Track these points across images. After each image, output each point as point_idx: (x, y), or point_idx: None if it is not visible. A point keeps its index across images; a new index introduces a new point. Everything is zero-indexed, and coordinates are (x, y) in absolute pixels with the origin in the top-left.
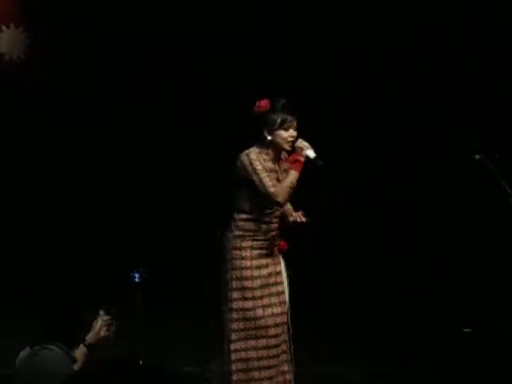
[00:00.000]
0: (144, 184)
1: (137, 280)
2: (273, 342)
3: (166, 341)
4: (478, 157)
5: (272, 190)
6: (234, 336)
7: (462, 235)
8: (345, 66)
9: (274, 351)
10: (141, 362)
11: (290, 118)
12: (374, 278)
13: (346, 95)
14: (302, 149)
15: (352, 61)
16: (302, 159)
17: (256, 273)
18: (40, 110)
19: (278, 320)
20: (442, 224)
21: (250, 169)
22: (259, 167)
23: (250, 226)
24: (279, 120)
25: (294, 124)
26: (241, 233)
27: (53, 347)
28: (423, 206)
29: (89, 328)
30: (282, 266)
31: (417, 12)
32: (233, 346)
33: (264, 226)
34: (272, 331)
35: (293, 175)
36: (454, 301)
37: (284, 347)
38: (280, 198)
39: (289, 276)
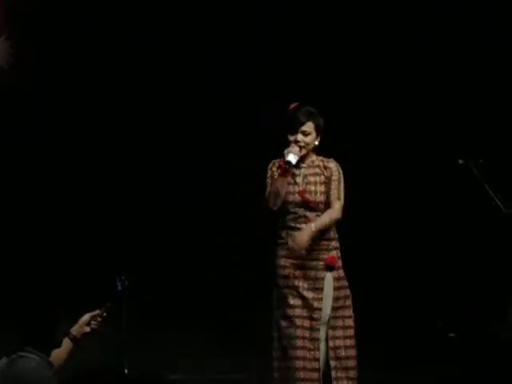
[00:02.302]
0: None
1: (119, 288)
2: (300, 353)
3: (151, 349)
4: (461, 161)
5: (266, 195)
6: (274, 344)
7: (445, 239)
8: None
9: (301, 363)
10: (126, 372)
11: (296, 122)
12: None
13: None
14: (284, 155)
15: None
16: (282, 164)
17: (283, 282)
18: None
19: (307, 334)
20: (426, 228)
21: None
22: (268, 175)
23: (284, 233)
24: (287, 123)
25: (302, 129)
26: (279, 241)
27: (30, 355)
28: (406, 210)
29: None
30: (327, 283)
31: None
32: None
33: (295, 233)
34: (299, 343)
35: (277, 180)
36: (439, 304)
37: (315, 364)
38: (269, 204)
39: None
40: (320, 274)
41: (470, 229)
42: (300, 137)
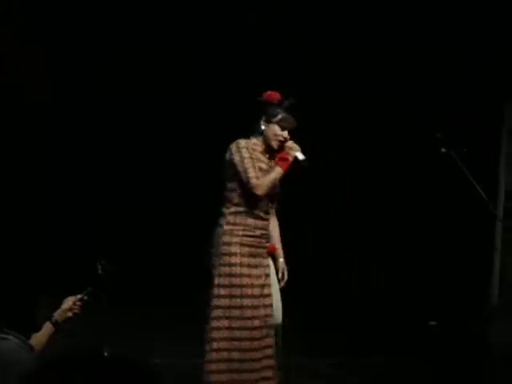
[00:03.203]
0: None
1: (100, 271)
2: (256, 344)
3: (132, 334)
4: (444, 150)
5: (253, 181)
6: (216, 334)
7: (428, 229)
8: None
9: (257, 354)
10: (106, 354)
11: (291, 119)
12: (345, 272)
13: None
14: (291, 149)
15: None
16: (290, 159)
17: (245, 271)
18: None
19: (263, 323)
20: (409, 217)
21: (238, 156)
22: (246, 155)
23: (238, 219)
24: (280, 116)
25: (291, 127)
26: (230, 227)
27: (10, 337)
28: (389, 201)
29: (45, 317)
30: (272, 269)
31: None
32: (215, 345)
33: (252, 220)
34: (257, 333)
35: (277, 172)
36: (421, 294)
37: (268, 352)
38: (259, 191)
39: None
40: (267, 261)
41: (453, 218)
42: (286, 134)
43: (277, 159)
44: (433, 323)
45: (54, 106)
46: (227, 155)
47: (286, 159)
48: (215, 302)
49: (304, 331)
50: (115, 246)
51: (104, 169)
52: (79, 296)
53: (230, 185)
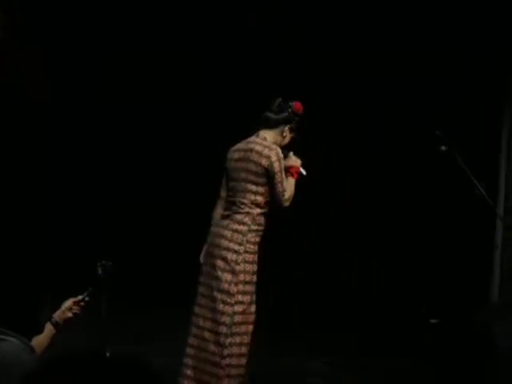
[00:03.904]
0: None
1: (100, 272)
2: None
3: (132, 334)
4: (444, 148)
5: (287, 195)
6: (240, 329)
7: (428, 228)
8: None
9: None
10: (108, 354)
11: (302, 128)
12: (345, 272)
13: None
14: (296, 162)
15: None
16: (298, 172)
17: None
18: None
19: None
20: (410, 217)
21: (278, 167)
22: (282, 166)
23: (262, 221)
24: (296, 125)
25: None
26: (256, 227)
27: (10, 338)
28: (388, 198)
29: (47, 319)
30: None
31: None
32: (238, 338)
33: (265, 221)
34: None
35: (293, 184)
36: (421, 291)
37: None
38: (288, 204)
39: None
40: None
41: (453, 215)
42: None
43: (291, 171)
44: (434, 321)
45: (53, 105)
46: (263, 161)
47: (297, 173)
48: (239, 297)
49: (304, 330)
50: (115, 246)
51: (104, 169)
52: (80, 297)
53: (258, 188)
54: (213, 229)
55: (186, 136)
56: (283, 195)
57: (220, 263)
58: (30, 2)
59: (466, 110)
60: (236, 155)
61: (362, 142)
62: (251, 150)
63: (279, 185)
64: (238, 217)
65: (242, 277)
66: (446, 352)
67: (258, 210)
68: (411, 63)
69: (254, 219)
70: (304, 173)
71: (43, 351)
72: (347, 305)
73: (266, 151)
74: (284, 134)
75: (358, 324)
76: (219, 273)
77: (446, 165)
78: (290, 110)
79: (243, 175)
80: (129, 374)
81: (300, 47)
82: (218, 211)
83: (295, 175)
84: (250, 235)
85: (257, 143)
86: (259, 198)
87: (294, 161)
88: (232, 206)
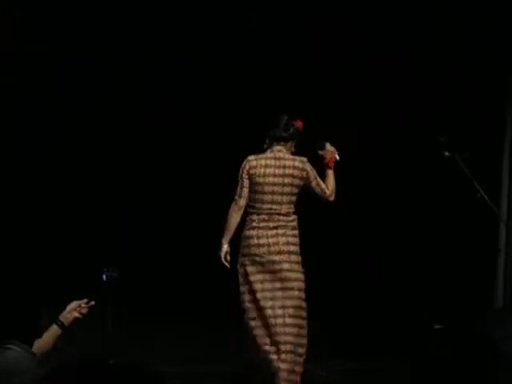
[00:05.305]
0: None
1: (104, 279)
2: None
3: (137, 341)
4: (447, 154)
5: (329, 192)
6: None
7: (432, 232)
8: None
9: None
10: (111, 362)
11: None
12: (342, 273)
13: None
14: (333, 153)
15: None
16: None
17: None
18: None
19: None
20: (413, 220)
21: (312, 174)
22: (315, 171)
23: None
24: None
25: None
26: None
27: (11, 346)
28: (391, 202)
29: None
30: None
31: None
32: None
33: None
34: None
35: (333, 176)
36: (423, 296)
37: None
38: (334, 197)
39: None
40: None
41: (456, 220)
42: None
43: (329, 163)
44: (438, 327)
45: (54, 105)
46: (300, 173)
47: (334, 162)
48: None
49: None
50: (120, 251)
51: (104, 169)
52: (85, 300)
53: (293, 198)
54: (261, 240)
55: (185, 136)
56: (325, 193)
57: (288, 266)
58: (30, 2)
59: (468, 112)
60: (268, 171)
61: (364, 146)
62: (284, 167)
63: (318, 188)
64: (291, 224)
65: (299, 259)
66: (448, 357)
67: (295, 216)
68: (411, 63)
69: (297, 224)
70: (338, 158)
71: (47, 352)
72: (349, 308)
73: (299, 164)
74: (292, 149)
75: (360, 328)
76: (289, 274)
77: (449, 170)
78: (294, 127)
79: (282, 189)
80: (132, 381)
81: (300, 47)
82: (237, 219)
83: (332, 165)
84: (297, 238)
85: (285, 159)
86: (294, 207)
87: (331, 152)
88: (277, 216)
